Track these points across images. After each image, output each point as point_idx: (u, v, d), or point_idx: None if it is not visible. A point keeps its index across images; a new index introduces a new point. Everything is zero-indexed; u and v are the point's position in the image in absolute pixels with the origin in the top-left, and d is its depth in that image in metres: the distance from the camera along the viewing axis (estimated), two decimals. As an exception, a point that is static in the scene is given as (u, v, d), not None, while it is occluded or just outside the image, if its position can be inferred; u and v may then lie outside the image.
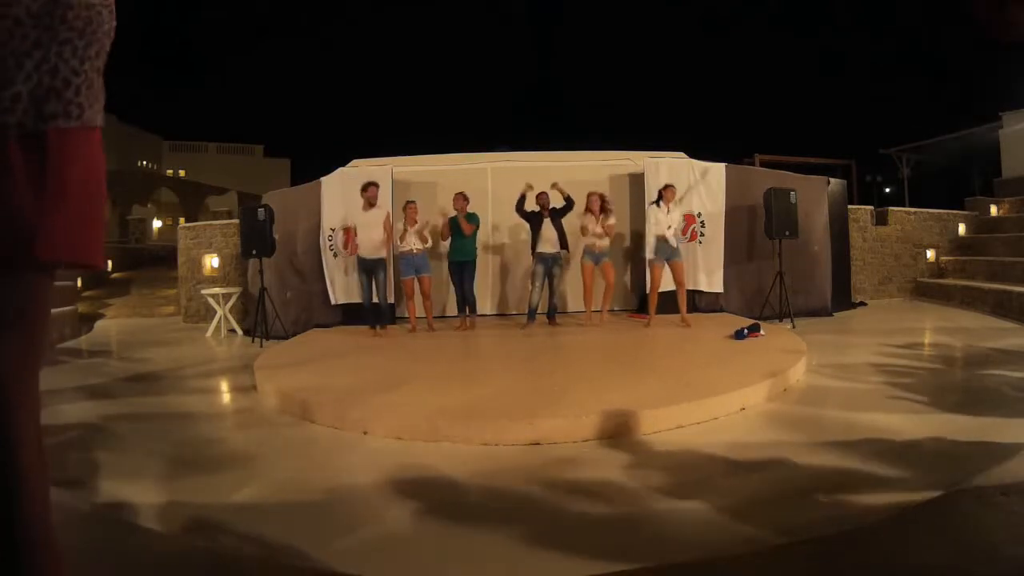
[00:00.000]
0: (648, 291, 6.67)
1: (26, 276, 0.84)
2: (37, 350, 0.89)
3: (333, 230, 7.11)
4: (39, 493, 0.88)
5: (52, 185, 0.81)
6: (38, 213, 0.80)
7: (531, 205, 6.58)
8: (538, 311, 6.61)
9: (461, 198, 6.56)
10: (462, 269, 6.61)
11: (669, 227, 6.25)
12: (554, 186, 6.49)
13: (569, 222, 6.63)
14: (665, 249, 6.34)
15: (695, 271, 7.34)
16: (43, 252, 0.81)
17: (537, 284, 6.53)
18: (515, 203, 6.59)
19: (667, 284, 6.59)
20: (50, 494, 0.91)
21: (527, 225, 6.68)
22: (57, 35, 0.82)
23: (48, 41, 0.80)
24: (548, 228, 6.43)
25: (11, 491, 0.85)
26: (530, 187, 6.52)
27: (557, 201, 6.52)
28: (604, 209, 6.34)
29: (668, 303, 6.66)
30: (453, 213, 6.57)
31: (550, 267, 6.47)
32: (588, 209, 6.33)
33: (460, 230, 6.47)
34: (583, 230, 6.34)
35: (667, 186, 6.50)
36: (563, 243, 6.46)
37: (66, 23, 0.83)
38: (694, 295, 7.32)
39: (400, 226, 6.43)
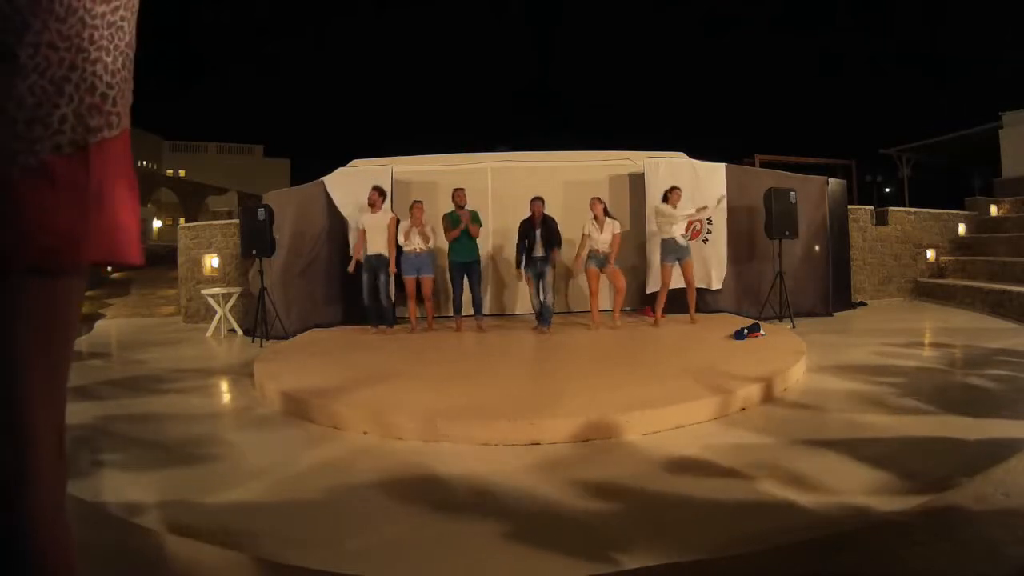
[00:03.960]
0: (658, 289, 6.69)
1: (61, 279, 0.87)
2: (66, 349, 0.92)
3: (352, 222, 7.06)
4: (54, 494, 0.88)
5: (95, 194, 0.87)
6: (82, 220, 0.85)
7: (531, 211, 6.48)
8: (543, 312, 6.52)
9: (462, 194, 6.49)
10: (467, 269, 6.54)
11: (681, 233, 6.34)
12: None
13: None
14: (676, 250, 6.37)
15: (703, 269, 7.33)
16: (87, 256, 0.86)
17: (532, 289, 6.48)
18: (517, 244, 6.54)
19: (675, 282, 6.63)
20: (65, 496, 0.92)
21: None
22: (89, 55, 0.86)
23: (82, 63, 0.85)
24: (539, 234, 6.35)
25: (22, 489, 0.85)
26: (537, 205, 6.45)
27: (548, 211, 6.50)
28: (607, 214, 6.34)
29: (672, 302, 6.69)
30: (451, 209, 6.52)
31: (540, 270, 6.38)
32: (594, 216, 6.32)
33: (466, 230, 6.39)
34: (583, 239, 6.33)
35: (673, 188, 6.49)
36: (549, 250, 6.33)
37: (95, 43, 0.87)
38: (704, 294, 7.30)
39: (406, 225, 6.45)
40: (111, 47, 0.90)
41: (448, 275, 6.71)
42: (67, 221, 0.84)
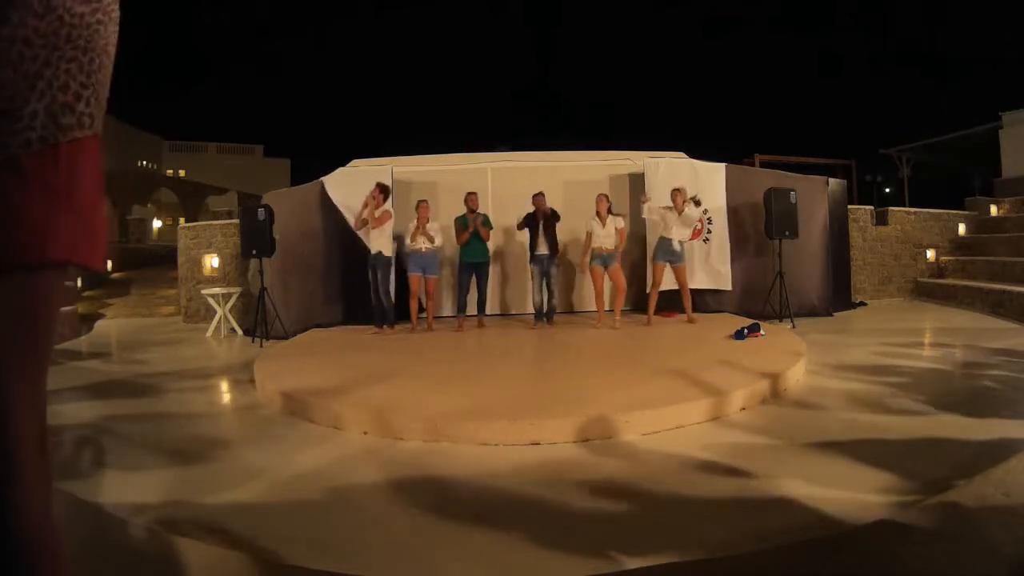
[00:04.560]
0: (648, 290, 6.73)
1: (35, 276, 0.87)
2: (44, 348, 0.91)
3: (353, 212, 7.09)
4: (39, 492, 0.88)
5: (64, 191, 0.86)
6: (51, 216, 0.85)
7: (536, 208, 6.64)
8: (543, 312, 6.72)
9: (474, 198, 6.69)
10: (477, 270, 6.70)
11: (680, 238, 6.41)
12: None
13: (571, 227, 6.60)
14: (670, 252, 6.40)
15: (701, 269, 7.32)
16: (55, 253, 0.85)
17: (535, 285, 6.67)
18: (517, 224, 6.72)
19: (668, 283, 6.64)
20: (52, 494, 0.91)
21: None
22: (64, 54, 0.85)
23: (56, 60, 0.84)
24: (542, 231, 6.53)
25: (7, 490, 0.84)
26: (540, 197, 6.61)
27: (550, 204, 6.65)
28: (611, 212, 6.36)
29: (673, 303, 6.71)
30: (462, 212, 6.70)
31: (546, 268, 6.58)
32: (597, 212, 6.33)
33: (477, 232, 6.58)
34: (588, 236, 6.35)
35: (677, 189, 6.51)
36: (554, 248, 6.57)
37: (71, 42, 0.86)
38: (704, 294, 7.29)
39: (411, 225, 6.48)
40: (89, 47, 0.89)
41: (457, 274, 6.86)
42: (35, 217, 0.83)
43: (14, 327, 0.85)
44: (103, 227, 0.95)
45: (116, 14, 0.95)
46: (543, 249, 6.53)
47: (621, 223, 6.36)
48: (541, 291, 6.64)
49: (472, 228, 6.57)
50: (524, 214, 6.70)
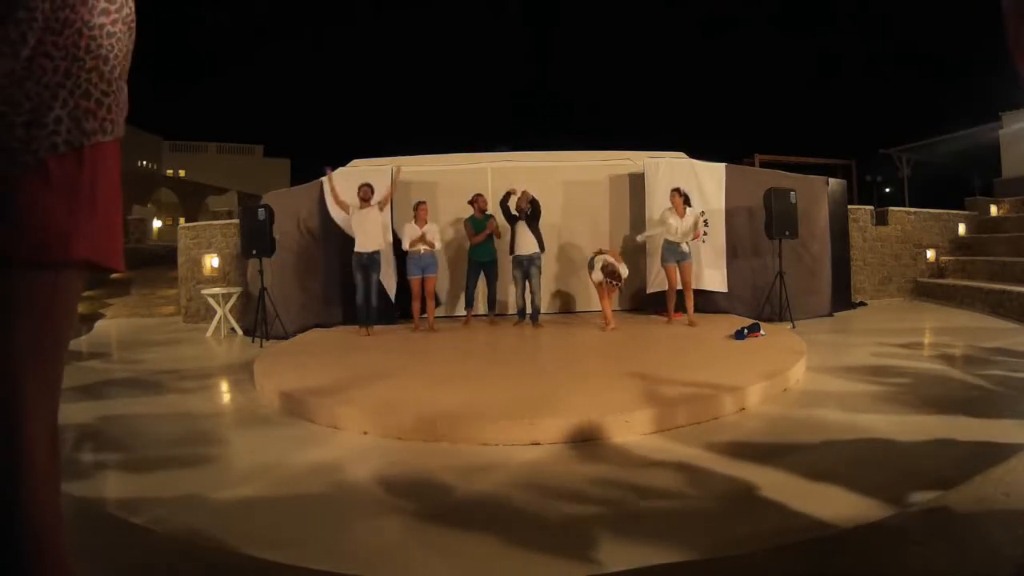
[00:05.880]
0: (656, 291, 6.80)
1: (56, 275, 0.89)
2: (61, 348, 0.92)
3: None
4: (48, 493, 0.88)
5: (87, 193, 0.90)
6: (74, 217, 0.88)
7: (514, 207, 6.65)
8: (527, 311, 6.82)
9: (483, 200, 6.85)
10: (486, 268, 6.83)
11: (683, 235, 6.40)
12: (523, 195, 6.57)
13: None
14: (676, 252, 6.41)
15: (699, 270, 7.32)
16: (77, 252, 0.89)
17: (518, 287, 6.75)
18: (499, 199, 6.74)
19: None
20: (60, 495, 0.92)
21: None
22: (84, 63, 0.90)
23: (77, 70, 0.89)
24: (524, 230, 6.54)
25: (16, 488, 0.84)
26: (514, 191, 6.61)
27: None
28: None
29: (677, 303, 6.70)
30: (469, 214, 6.85)
31: (527, 269, 6.61)
32: (600, 251, 6.35)
33: (489, 232, 6.75)
34: (591, 266, 6.33)
35: (675, 190, 6.50)
36: (540, 244, 6.59)
37: (91, 52, 0.90)
38: (704, 293, 7.28)
39: (412, 228, 6.50)
40: (109, 56, 0.93)
41: (466, 272, 6.98)
42: (59, 218, 0.86)
43: (34, 326, 0.87)
44: (120, 227, 0.99)
45: (133, 21, 0.99)
46: (523, 249, 6.54)
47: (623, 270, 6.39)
48: (525, 293, 6.71)
49: (488, 231, 6.71)
50: (504, 200, 6.66)
